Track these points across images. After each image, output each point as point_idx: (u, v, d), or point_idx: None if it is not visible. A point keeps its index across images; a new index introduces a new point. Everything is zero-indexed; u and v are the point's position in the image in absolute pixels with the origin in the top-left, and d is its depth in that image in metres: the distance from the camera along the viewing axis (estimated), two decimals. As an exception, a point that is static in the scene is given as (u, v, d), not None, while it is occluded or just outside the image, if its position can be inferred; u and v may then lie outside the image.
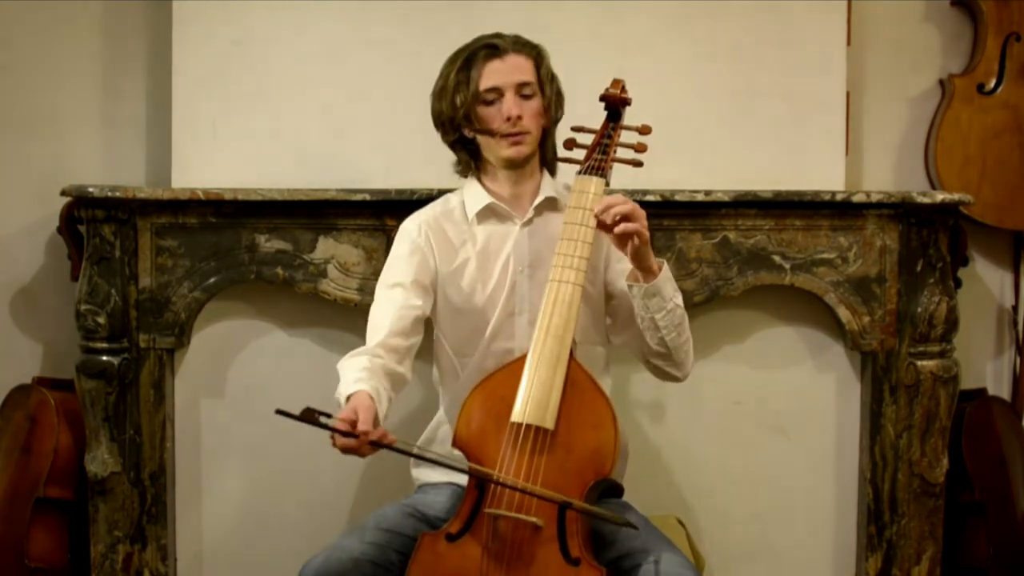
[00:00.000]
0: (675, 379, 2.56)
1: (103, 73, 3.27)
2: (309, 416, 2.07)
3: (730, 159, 3.17)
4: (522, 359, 2.33)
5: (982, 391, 3.37)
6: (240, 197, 3.00)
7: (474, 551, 2.25)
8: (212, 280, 3.06)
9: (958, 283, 3.25)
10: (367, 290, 3.00)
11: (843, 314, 3.11)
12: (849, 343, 3.15)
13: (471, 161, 2.60)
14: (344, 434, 2.12)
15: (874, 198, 3.06)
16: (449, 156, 2.63)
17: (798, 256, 3.10)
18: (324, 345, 3.17)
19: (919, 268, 3.10)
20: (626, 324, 2.54)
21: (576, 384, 2.31)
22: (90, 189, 2.96)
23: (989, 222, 3.31)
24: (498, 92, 2.48)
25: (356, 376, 2.33)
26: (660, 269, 2.39)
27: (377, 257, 3.02)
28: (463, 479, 2.36)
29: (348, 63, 3.13)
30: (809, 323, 3.23)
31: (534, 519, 2.22)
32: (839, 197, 3.06)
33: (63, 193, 3.01)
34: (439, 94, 2.54)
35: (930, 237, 3.09)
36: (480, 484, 2.28)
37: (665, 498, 3.19)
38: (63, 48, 3.25)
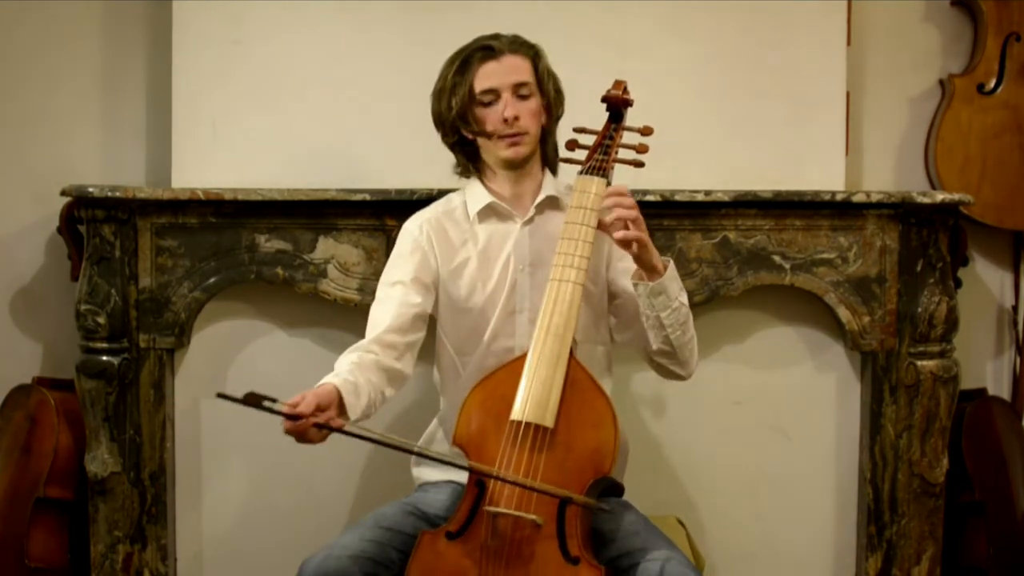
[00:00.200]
0: (679, 378, 2.56)
1: (103, 73, 3.27)
2: (252, 400, 2.09)
3: (730, 159, 3.17)
4: (522, 358, 2.33)
5: (982, 391, 3.37)
6: (240, 197, 3.00)
7: (474, 549, 2.25)
8: (212, 280, 3.06)
9: (958, 283, 3.25)
10: (367, 290, 3.01)
11: (843, 314, 3.11)
12: (849, 343, 3.15)
13: (470, 163, 2.60)
14: (287, 416, 2.14)
15: (874, 198, 3.06)
16: (449, 156, 2.63)
17: (798, 256, 3.10)
18: (324, 345, 3.17)
19: (919, 268, 3.10)
20: (631, 322, 2.54)
21: (576, 383, 2.31)
22: (90, 189, 2.96)
23: (989, 222, 3.31)
24: (495, 93, 2.48)
25: (339, 370, 2.36)
26: (666, 267, 2.39)
27: (377, 257, 3.03)
28: (463, 476, 2.36)
29: (348, 63, 3.13)
30: (809, 323, 3.23)
31: (533, 517, 2.21)
32: (839, 197, 3.06)
33: (63, 193, 3.01)
34: (437, 96, 2.55)
35: (930, 237, 3.09)
36: (480, 482, 2.28)
37: (665, 498, 3.19)
38: (63, 48, 3.25)
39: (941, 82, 3.36)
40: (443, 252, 2.58)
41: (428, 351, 2.63)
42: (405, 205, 2.94)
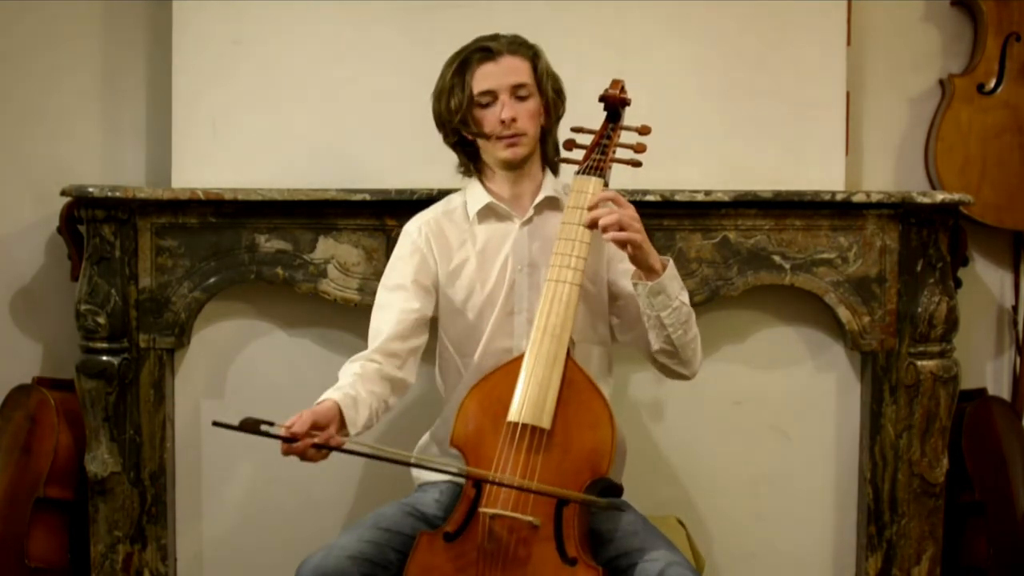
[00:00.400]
0: (683, 377, 2.55)
1: (103, 73, 3.27)
2: (248, 426, 2.10)
3: (730, 159, 3.17)
4: (519, 358, 2.33)
5: (982, 391, 3.37)
6: (240, 197, 3.00)
7: (471, 550, 2.25)
8: (212, 280, 3.06)
9: (958, 283, 3.25)
10: (367, 290, 3.01)
11: (843, 314, 3.11)
12: (849, 343, 3.15)
13: (471, 163, 2.60)
14: (284, 439, 2.16)
15: (874, 198, 3.06)
16: (449, 156, 2.63)
17: (798, 256, 3.10)
18: (324, 345, 3.17)
19: (919, 268, 3.10)
20: (633, 323, 2.54)
21: (573, 384, 2.31)
22: (90, 189, 2.96)
23: (989, 222, 3.31)
24: (492, 95, 2.48)
25: (340, 383, 2.37)
26: (665, 267, 2.39)
27: (377, 257, 3.03)
28: (461, 477, 2.36)
29: (348, 63, 3.13)
30: (809, 323, 3.23)
31: (530, 518, 2.22)
32: (839, 197, 3.06)
33: (63, 193, 3.02)
34: (437, 96, 2.55)
35: (930, 237, 3.09)
36: (477, 484, 2.28)
37: (665, 498, 3.19)
38: (63, 47, 3.25)
39: (941, 82, 3.36)
40: (441, 253, 2.58)
41: (429, 352, 2.63)
42: (405, 205, 2.94)
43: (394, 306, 2.53)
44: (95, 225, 3.02)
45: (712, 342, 3.17)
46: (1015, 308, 3.44)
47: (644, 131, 2.48)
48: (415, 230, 2.61)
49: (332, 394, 2.31)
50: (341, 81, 3.13)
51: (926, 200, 3.04)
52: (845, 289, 3.11)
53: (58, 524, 3.11)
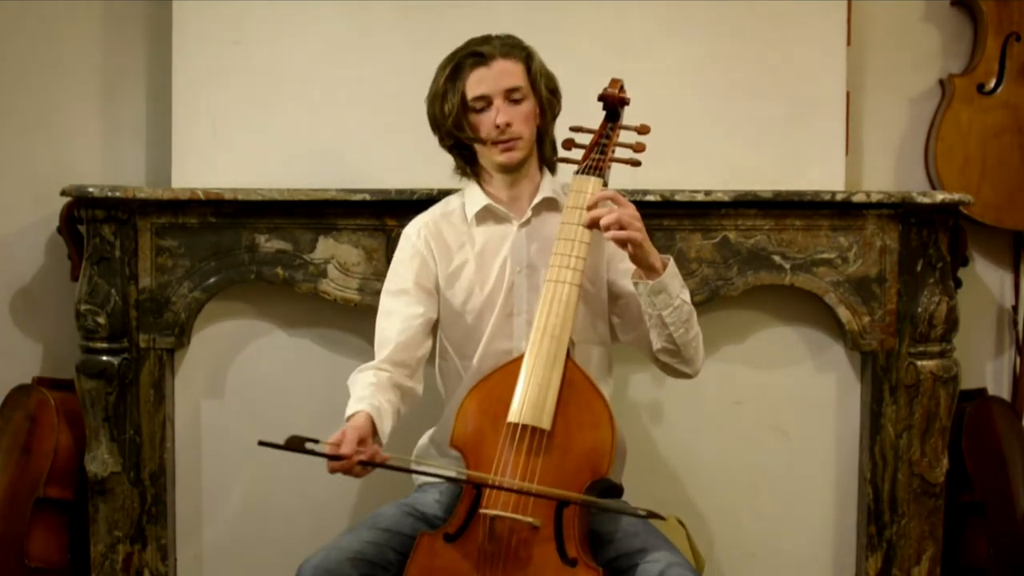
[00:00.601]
0: (686, 376, 2.55)
1: (103, 73, 3.27)
2: (295, 444, 2.11)
3: (730, 159, 3.16)
4: (519, 359, 2.33)
5: (982, 391, 3.37)
6: (240, 197, 3.00)
7: (471, 551, 2.25)
8: (212, 280, 3.06)
9: (958, 283, 3.25)
10: (367, 290, 3.01)
11: (843, 314, 3.11)
12: (849, 343, 3.15)
13: (468, 166, 2.60)
14: (331, 457, 2.17)
15: (874, 198, 3.06)
16: (449, 156, 2.63)
17: (798, 256, 3.10)
18: (324, 345, 3.17)
19: (919, 268, 3.10)
20: (634, 323, 2.54)
21: (573, 384, 2.31)
22: (90, 189, 2.96)
23: (989, 222, 3.31)
24: (486, 100, 2.48)
25: (360, 394, 2.38)
26: (665, 266, 2.39)
27: (377, 257, 3.03)
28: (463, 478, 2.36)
29: (348, 63, 3.13)
30: (809, 323, 3.23)
31: (530, 519, 2.21)
32: (839, 197, 3.06)
33: (63, 193, 3.01)
34: (431, 101, 2.55)
35: (930, 237, 3.09)
36: (477, 485, 2.28)
37: (665, 498, 3.18)
38: (63, 48, 3.25)
39: (941, 82, 3.36)
40: (441, 255, 2.58)
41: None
42: (405, 205, 2.94)
43: (399, 312, 2.53)
44: (95, 225, 3.02)
45: (712, 342, 3.17)
46: (1015, 308, 3.44)
47: (643, 130, 2.47)
48: (414, 233, 2.62)
49: (359, 406, 2.32)
50: (341, 81, 3.13)
51: (926, 200, 3.04)
52: (845, 289, 3.11)
53: (58, 524, 3.11)
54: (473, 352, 2.56)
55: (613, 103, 2.52)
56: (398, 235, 2.68)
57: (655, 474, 3.21)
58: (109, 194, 2.96)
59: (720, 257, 3.09)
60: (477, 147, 2.54)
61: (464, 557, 2.25)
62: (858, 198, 3.06)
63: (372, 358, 2.53)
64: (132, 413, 3.05)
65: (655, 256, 2.38)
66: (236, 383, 3.17)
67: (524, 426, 2.27)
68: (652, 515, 2.20)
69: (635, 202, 2.44)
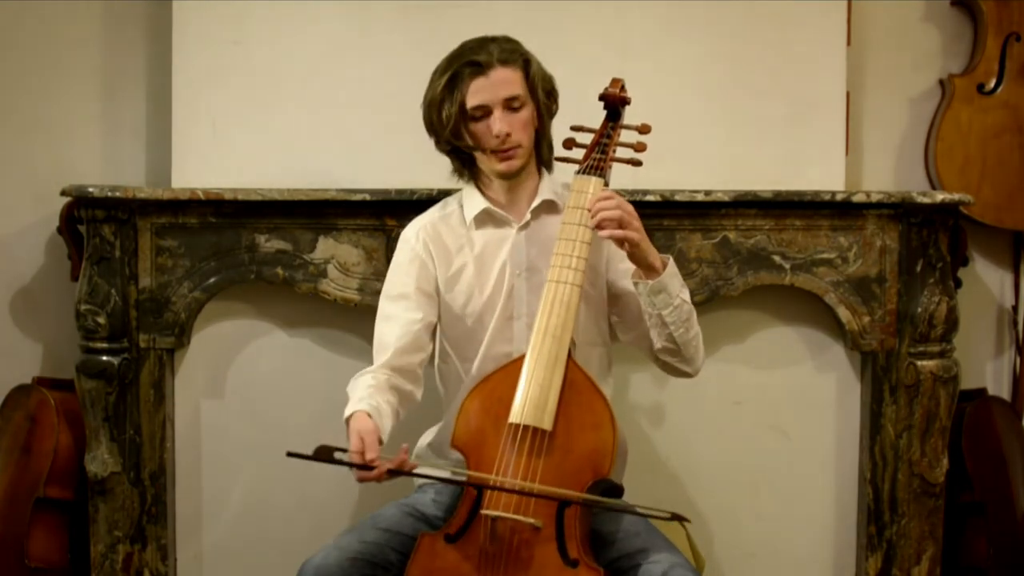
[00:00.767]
0: (686, 375, 2.55)
1: (103, 73, 3.27)
2: (323, 454, 2.12)
3: (730, 159, 3.16)
4: (520, 359, 2.33)
5: (982, 391, 3.37)
6: (240, 197, 3.00)
7: (472, 552, 2.25)
8: (212, 280, 3.06)
9: (958, 283, 3.25)
10: (367, 290, 3.01)
11: (843, 314, 3.11)
12: (849, 343, 3.15)
13: (465, 169, 2.59)
14: (359, 467, 2.17)
15: (874, 198, 3.06)
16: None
17: (798, 256, 3.10)
18: (324, 345, 3.17)
19: (919, 268, 3.10)
20: (635, 323, 2.53)
21: (574, 385, 2.30)
22: (90, 189, 2.96)
23: (989, 222, 3.31)
24: (485, 109, 2.45)
25: (359, 395, 2.37)
26: (665, 265, 2.39)
27: (377, 257, 3.02)
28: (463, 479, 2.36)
29: (348, 63, 3.13)
30: (809, 323, 3.23)
31: (532, 520, 2.21)
32: (839, 197, 3.06)
33: (63, 193, 3.01)
34: (428, 107, 2.52)
35: (930, 237, 3.09)
36: (478, 486, 2.28)
37: (665, 498, 3.16)
38: (63, 48, 3.25)
39: (941, 82, 3.36)
40: (440, 258, 2.57)
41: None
42: (405, 205, 2.94)
43: (398, 317, 2.53)
44: (95, 225, 3.02)
45: (712, 342, 3.17)
46: (1015, 308, 3.44)
47: (644, 130, 2.47)
48: (413, 236, 2.61)
49: (358, 406, 2.32)
50: (341, 81, 3.13)
51: (926, 200, 3.04)
52: (845, 289, 3.11)
53: (58, 524, 3.11)
54: (474, 355, 2.55)
55: (614, 102, 2.52)
56: (398, 235, 2.68)
57: (655, 474, 3.21)
58: (109, 194, 2.96)
59: (720, 257, 3.09)
60: (475, 154, 2.52)
61: (465, 558, 2.25)
62: (858, 198, 3.06)
63: (372, 358, 2.53)
64: (132, 413, 3.05)
65: (654, 255, 2.37)
66: (236, 383, 3.17)
67: (525, 427, 2.27)
68: (678, 517, 2.20)
69: (635, 202, 2.45)
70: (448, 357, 2.61)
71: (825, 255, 3.10)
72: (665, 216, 3.05)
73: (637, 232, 2.33)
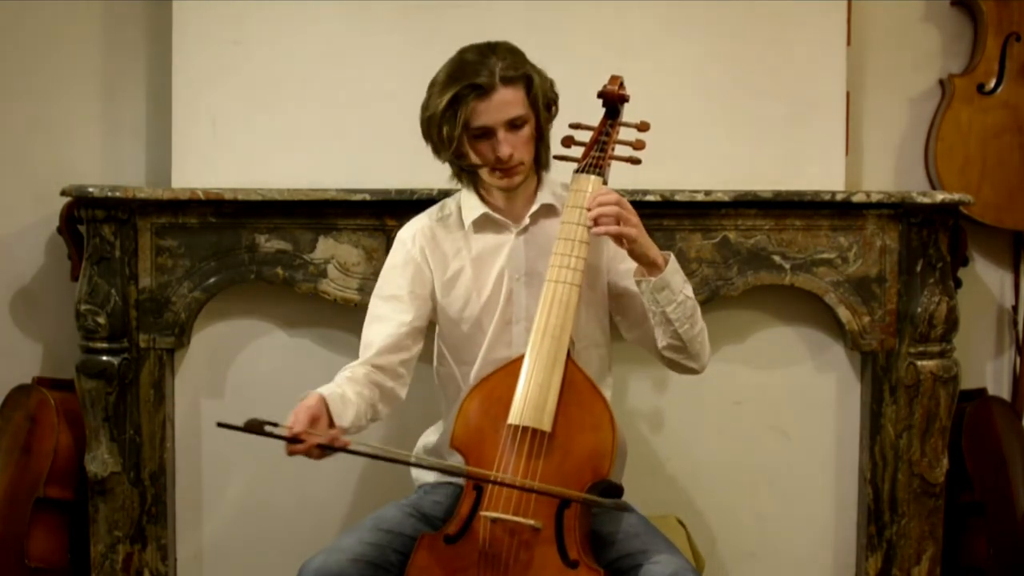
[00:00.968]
0: (692, 371, 2.54)
1: (103, 73, 3.27)
2: (253, 427, 2.11)
3: (730, 159, 3.16)
4: (519, 360, 2.32)
5: (982, 391, 3.37)
6: (240, 197, 3.00)
7: (472, 553, 2.25)
8: (212, 280, 3.06)
9: (958, 283, 3.25)
10: (367, 290, 3.00)
11: (843, 314, 3.11)
12: (849, 343, 3.15)
13: (464, 174, 2.54)
14: (288, 440, 2.16)
15: (874, 198, 3.06)
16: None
17: (798, 256, 3.10)
18: (324, 345, 3.17)
19: (919, 268, 3.10)
20: (639, 321, 2.52)
21: (573, 385, 2.30)
22: (90, 189, 2.96)
23: (989, 222, 3.31)
24: (488, 130, 2.40)
25: (331, 384, 2.36)
26: (666, 262, 2.38)
27: (377, 257, 3.02)
28: (462, 478, 2.36)
29: (348, 63, 3.13)
30: (809, 323, 3.23)
31: (531, 522, 2.21)
32: (839, 197, 3.06)
33: (63, 193, 3.02)
34: (428, 122, 2.45)
35: (930, 237, 3.09)
36: (478, 486, 2.28)
37: (665, 498, 3.19)
38: (63, 48, 3.25)
39: (941, 82, 3.36)
40: (436, 262, 2.55)
41: (427, 352, 2.62)
42: (405, 205, 2.94)
43: (388, 318, 2.51)
44: (95, 225, 3.02)
45: (712, 342, 3.11)
46: (1015, 308, 3.44)
47: (643, 127, 2.45)
48: (409, 239, 2.58)
49: (319, 390, 2.30)
50: (341, 81, 3.13)
51: (926, 200, 3.04)
52: (845, 289, 3.11)
53: (58, 524, 3.11)
54: (472, 359, 2.54)
55: (613, 100, 2.50)
56: (393, 243, 2.66)
57: (655, 474, 3.21)
58: (109, 194, 2.96)
59: (720, 257, 3.09)
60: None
61: (465, 559, 2.25)
62: (858, 198, 3.06)
63: (371, 358, 2.53)
64: (132, 413, 3.05)
65: (654, 251, 2.36)
66: (236, 383, 3.17)
67: (525, 428, 2.26)
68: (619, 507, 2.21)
69: (635, 202, 2.44)
70: (446, 360, 2.61)
71: (825, 255, 3.10)
72: (665, 216, 3.05)
73: (635, 228, 2.31)
